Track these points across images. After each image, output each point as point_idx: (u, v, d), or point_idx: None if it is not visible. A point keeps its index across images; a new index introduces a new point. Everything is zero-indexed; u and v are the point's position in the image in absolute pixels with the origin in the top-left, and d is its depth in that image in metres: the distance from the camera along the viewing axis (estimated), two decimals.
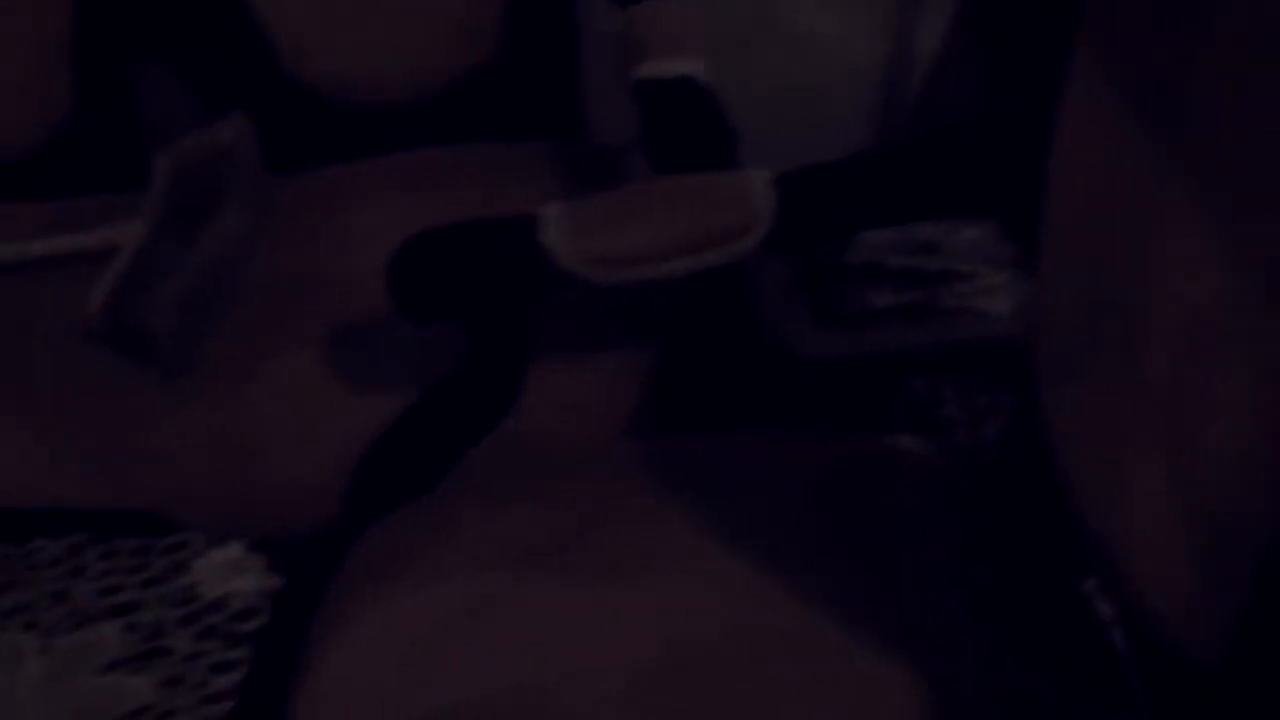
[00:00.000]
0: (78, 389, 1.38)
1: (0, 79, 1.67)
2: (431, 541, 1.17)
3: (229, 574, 1.22)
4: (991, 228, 1.58)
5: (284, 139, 1.60)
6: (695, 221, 1.17)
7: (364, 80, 1.65)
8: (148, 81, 1.73)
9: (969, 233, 1.56)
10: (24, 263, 1.53)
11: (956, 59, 1.76)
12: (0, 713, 1.14)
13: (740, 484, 1.21)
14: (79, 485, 1.31)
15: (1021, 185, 1.07)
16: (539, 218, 1.17)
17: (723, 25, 1.66)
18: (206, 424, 1.34)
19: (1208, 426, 0.86)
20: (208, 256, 1.42)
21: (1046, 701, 1.03)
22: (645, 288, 1.28)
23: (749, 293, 1.53)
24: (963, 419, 1.79)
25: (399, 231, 1.43)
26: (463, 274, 1.18)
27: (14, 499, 1.31)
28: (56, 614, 1.21)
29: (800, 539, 1.15)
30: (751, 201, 1.17)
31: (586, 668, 1.06)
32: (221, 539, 1.24)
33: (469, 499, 1.22)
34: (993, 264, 1.57)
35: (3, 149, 1.67)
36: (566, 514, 1.18)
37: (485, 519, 1.19)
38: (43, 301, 1.48)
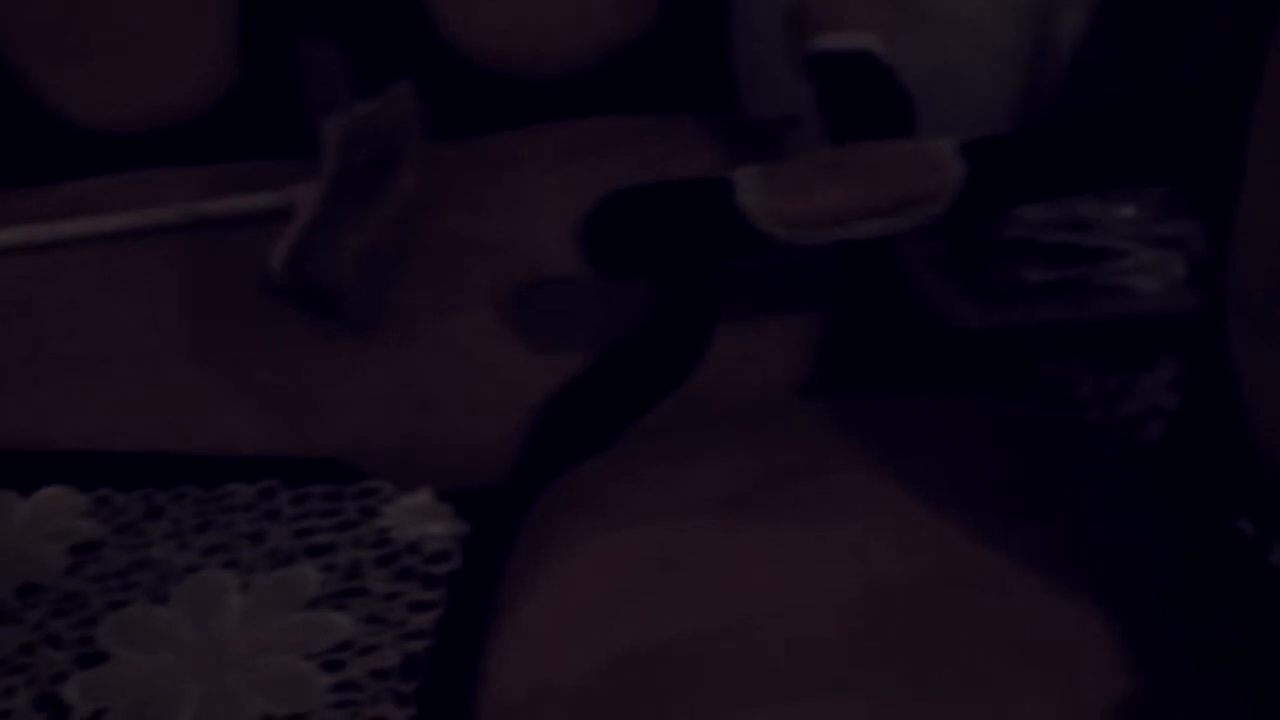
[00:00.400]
0: (262, 341, 1.42)
1: (172, 48, 1.72)
2: (623, 490, 1.21)
3: (420, 519, 1.25)
4: (1147, 206, 1.61)
5: (441, 108, 1.64)
6: (889, 185, 1.20)
7: (522, 52, 1.69)
8: (309, 52, 1.78)
9: (1124, 210, 1.59)
10: (202, 221, 1.57)
11: (1100, 40, 1.79)
12: (206, 644, 1.18)
13: (919, 440, 1.24)
14: (267, 434, 1.35)
15: (1213, 151, 1.10)
16: (732, 179, 1.20)
17: None
18: (388, 377, 1.38)
19: None
20: (385, 217, 1.46)
21: (1237, 648, 1.05)
22: (818, 252, 1.32)
23: (905, 261, 1.56)
24: (1095, 399, 1.82)
25: (560, 198, 1.47)
26: (658, 232, 1.22)
27: (204, 446, 1.35)
28: (254, 554, 1.25)
29: (982, 491, 1.18)
30: (942, 167, 1.20)
31: (787, 607, 1.09)
32: (408, 487, 1.28)
33: (655, 451, 1.25)
34: (1146, 242, 1.60)
35: (174, 115, 1.72)
36: (753, 466, 1.21)
37: (674, 469, 1.22)
38: (224, 258, 1.53)
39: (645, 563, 1.13)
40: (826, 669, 1.06)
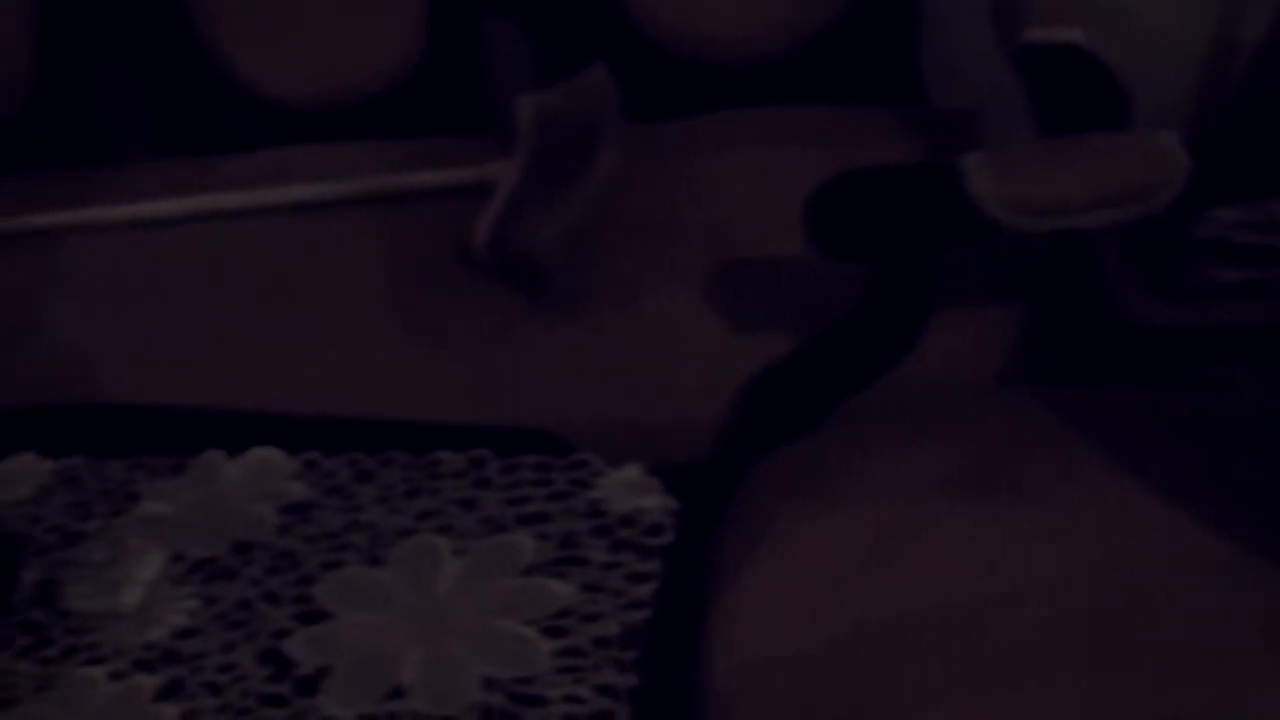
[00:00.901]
0: (465, 314, 1.44)
1: (361, 24, 1.74)
2: (840, 471, 1.22)
3: (632, 493, 1.27)
4: None
5: (629, 92, 1.65)
6: (1118, 175, 1.20)
7: (712, 38, 1.70)
8: (493, 31, 1.80)
9: None
10: (395, 194, 1.59)
11: None
12: (425, 606, 1.19)
13: (1126, 431, 1.24)
14: (472, 405, 1.37)
15: None
16: (959, 165, 1.21)
17: None
18: (592, 353, 1.40)
19: None
20: (587, 196, 1.47)
21: None
22: (1023, 242, 1.33)
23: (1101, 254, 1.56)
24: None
25: (756, 183, 1.49)
26: (887, 216, 1.23)
27: (409, 414, 1.36)
28: (468, 520, 1.26)
29: (1196, 480, 1.18)
30: (1168, 160, 1.20)
31: (1013, 589, 1.10)
32: (612, 461, 1.29)
33: (867, 433, 1.26)
34: None
35: (360, 90, 1.74)
36: (967, 450, 1.22)
37: (889, 451, 1.23)
38: (421, 231, 1.55)
39: (867, 543, 1.14)
40: (1056, 652, 1.07)
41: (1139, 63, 1.86)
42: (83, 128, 1.85)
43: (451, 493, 1.29)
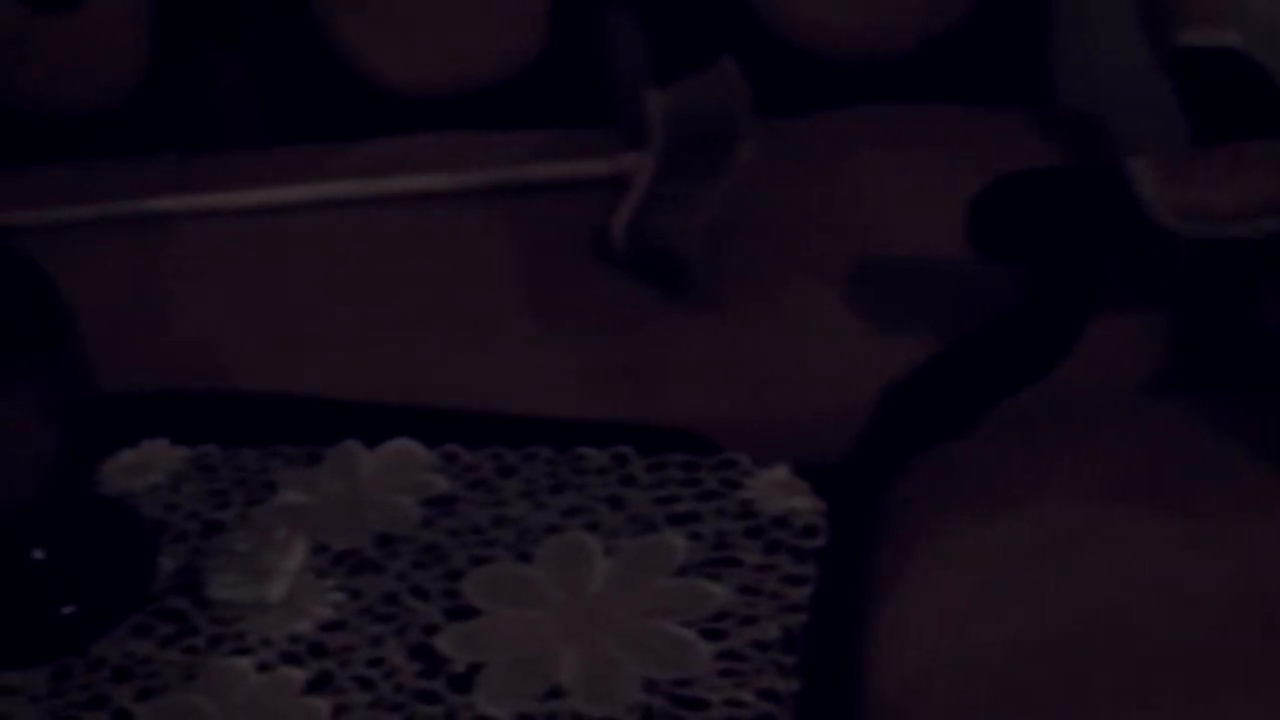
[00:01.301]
0: (603, 309, 1.43)
1: (482, 14, 1.73)
2: (997, 475, 1.20)
3: (783, 493, 1.25)
4: None
5: (757, 87, 1.64)
6: None
7: (838, 34, 1.68)
8: (613, 23, 1.78)
9: None
10: (522, 186, 1.58)
11: None
12: (577, 604, 1.18)
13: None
14: (612, 401, 1.35)
15: None
16: (1125, 169, 1.19)
17: None
18: (732, 350, 1.39)
19: None
20: (724, 191, 1.46)
21: None
22: (1173, 249, 1.31)
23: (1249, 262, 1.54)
24: None
25: (892, 180, 1.47)
26: (1052, 218, 1.21)
27: (548, 410, 1.35)
28: (616, 519, 1.25)
29: None
30: None
31: (1184, 596, 1.08)
32: (756, 459, 1.28)
33: (1019, 439, 1.25)
34: None
35: (479, 80, 1.73)
36: (1128, 458, 1.21)
37: (1048, 458, 1.21)
38: (552, 224, 1.53)
39: (1041, 546, 1.13)
40: (1233, 666, 1.05)
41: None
42: (196, 114, 1.84)
43: (597, 489, 1.27)
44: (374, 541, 1.26)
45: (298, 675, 1.16)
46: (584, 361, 1.38)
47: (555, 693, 1.12)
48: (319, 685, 1.15)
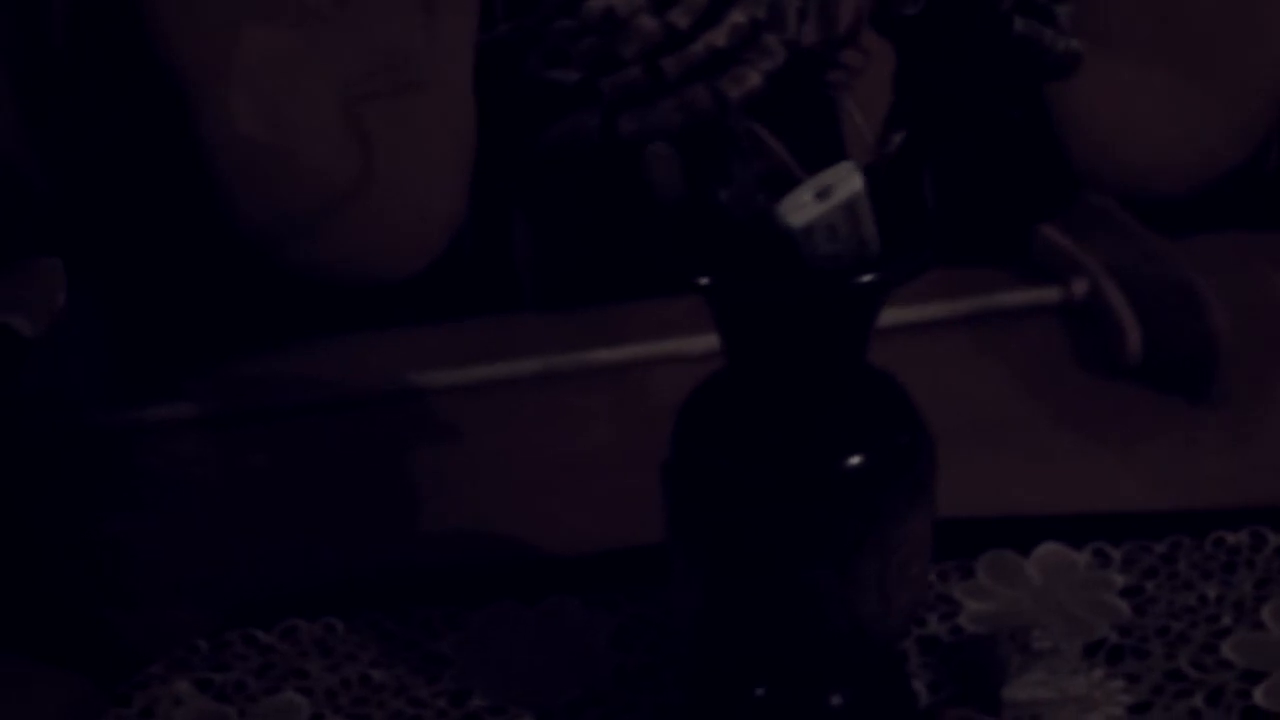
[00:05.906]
0: (1126, 415, 1.55)
1: None
2: None
3: None
4: None
5: None
6: None
7: (1148, 173, 1.85)
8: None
9: None
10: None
11: None
12: None
13: None
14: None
15: None
16: None
17: None
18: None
19: None
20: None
21: None
22: None
23: None
24: None
25: None
26: None
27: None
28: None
29: None
30: None
31: None
32: None
33: None
34: None
35: None
36: None
37: None
38: (1015, 347, 1.64)
39: None
40: None
41: None
42: (499, 277, 1.82)
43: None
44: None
45: None
46: (1131, 471, 1.48)
47: None
48: None
